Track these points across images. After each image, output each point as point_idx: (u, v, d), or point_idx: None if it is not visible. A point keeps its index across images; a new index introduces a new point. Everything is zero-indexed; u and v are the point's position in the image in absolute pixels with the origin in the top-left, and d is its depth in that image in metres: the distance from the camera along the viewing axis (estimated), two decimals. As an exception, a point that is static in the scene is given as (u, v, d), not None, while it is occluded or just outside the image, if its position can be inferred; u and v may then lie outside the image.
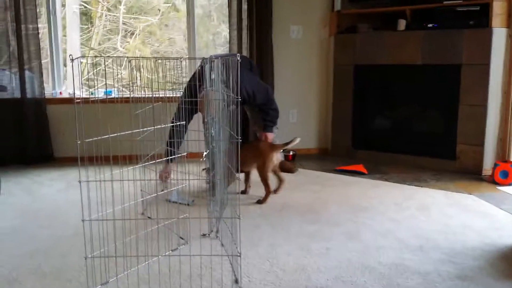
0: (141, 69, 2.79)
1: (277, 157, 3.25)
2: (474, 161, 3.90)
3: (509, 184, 3.59)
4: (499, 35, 3.77)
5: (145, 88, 2.71)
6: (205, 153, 2.39)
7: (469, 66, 3.82)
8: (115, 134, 1.98)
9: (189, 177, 2.49)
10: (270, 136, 3.54)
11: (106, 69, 5.60)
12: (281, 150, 3.35)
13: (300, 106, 4.82)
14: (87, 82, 5.67)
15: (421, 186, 3.59)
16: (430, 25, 3.97)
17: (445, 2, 3.80)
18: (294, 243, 2.51)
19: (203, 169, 2.97)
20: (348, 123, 4.59)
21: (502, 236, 2.60)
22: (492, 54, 3.76)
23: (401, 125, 4.39)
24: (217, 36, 5.70)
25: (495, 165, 3.68)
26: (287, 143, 3.18)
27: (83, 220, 1.99)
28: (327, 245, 2.48)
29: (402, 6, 4.12)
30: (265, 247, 2.44)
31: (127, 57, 2.40)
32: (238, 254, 2.00)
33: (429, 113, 4.21)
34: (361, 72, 4.43)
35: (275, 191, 3.35)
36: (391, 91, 4.35)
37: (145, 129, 2.15)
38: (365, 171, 4.03)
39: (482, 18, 3.77)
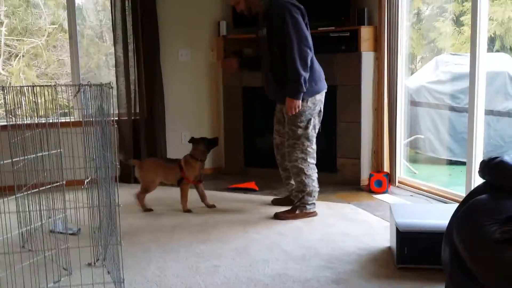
0: (24, 96, 2.66)
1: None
2: (352, 173, 4.22)
3: (383, 192, 3.93)
4: (367, 58, 4.16)
5: (21, 114, 2.59)
6: (86, 181, 2.33)
7: (343, 87, 4.15)
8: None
9: (70, 205, 2.40)
10: (288, 102, 3.14)
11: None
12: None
13: (192, 128, 4.85)
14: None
15: (306, 199, 3.79)
16: (307, 50, 4.25)
17: (319, 29, 4.11)
18: (183, 263, 2.52)
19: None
20: (240, 142, 4.73)
21: (375, 240, 2.85)
22: (362, 75, 4.12)
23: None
24: (110, 57, 5.57)
25: (370, 175, 4.01)
26: None
27: None
28: (216, 263, 2.53)
29: (283, 32, 4.37)
30: (153, 271, 2.43)
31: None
32: (122, 281, 1.97)
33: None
34: (248, 94, 4.61)
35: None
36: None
37: (18, 158, 2.05)
38: (256, 188, 4.16)
39: (352, 43, 4.13)
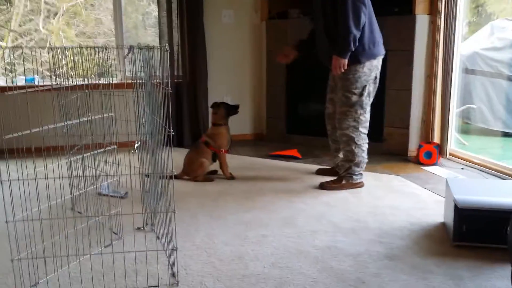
0: (66, 53, 2.64)
1: None
2: (400, 143, 4.09)
3: (432, 164, 3.80)
4: (422, 21, 3.95)
5: (70, 75, 2.58)
6: (136, 145, 2.31)
7: (395, 52, 3.97)
8: (37, 129, 1.86)
9: (121, 169, 2.41)
10: (334, 60, 3.05)
11: (28, 52, 5.25)
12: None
13: (234, 92, 4.80)
14: (8, 67, 5.29)
15: (352, 169, 3.72)
16: (358, 12, 4.06)
17: (371, -11, 3.90)
18: (231, 231, 2.51)
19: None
20: (282, 108, 4.65)
21: (427, 215, 2.76)
22: (416, 40, 3.93)
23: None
24: (146, 17, 5.51)
25: (420, 146, 3.88)
26: None
27: (6, 222, 1.87)
28: (264, 232, 2.51)
29: (332, -8, 4.18)
30: (202, 238, 2.43)
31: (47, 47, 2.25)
32: (174, 248, 1.97)
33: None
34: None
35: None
36: (323, 76, 4.42)
37: (70, 122, 2.04)
38: (299, 155, 4.11)
39: (406, 5, 3.92)
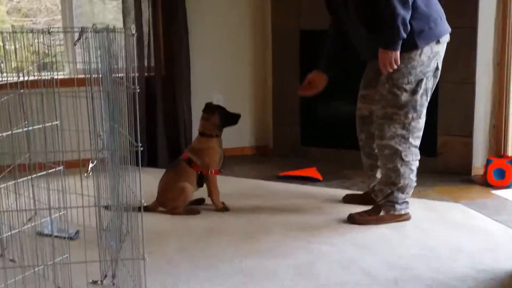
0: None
1: None
2: (460, 157, 4.10)
3: (506, 187, 3.80)
4: (488, -11, 3.99)
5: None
6: (91, 165, 2.32)
7: (452, 31, 3.98)
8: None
9: (70, 198, 2.42)
10: (381, 55, 3.05)
11: None
12: None
13: (227, 90, 4.83)
14: None
15: (394, 195, 3.72)
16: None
17: None
18: (225, 285, 2.51)
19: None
20: (295, 111, 4.67)
21: (499, 259, 2.76)
22: (480, 15, 3.96)
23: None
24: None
25: (488, 161, 3.89)
26: None
27: None
28: (271, 286, 2.51)
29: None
30: (183, 294, 2.43)
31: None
32: (144, 310, 1.97)
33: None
34: (309, 40, 4.51)
35: None
36: (350, 67, 4.44)
37: None
38: (319, 176, 4.12)
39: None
